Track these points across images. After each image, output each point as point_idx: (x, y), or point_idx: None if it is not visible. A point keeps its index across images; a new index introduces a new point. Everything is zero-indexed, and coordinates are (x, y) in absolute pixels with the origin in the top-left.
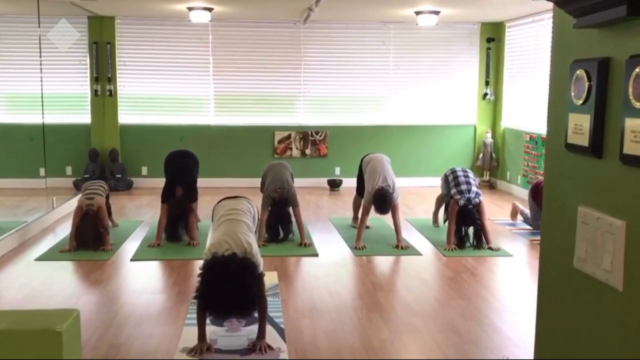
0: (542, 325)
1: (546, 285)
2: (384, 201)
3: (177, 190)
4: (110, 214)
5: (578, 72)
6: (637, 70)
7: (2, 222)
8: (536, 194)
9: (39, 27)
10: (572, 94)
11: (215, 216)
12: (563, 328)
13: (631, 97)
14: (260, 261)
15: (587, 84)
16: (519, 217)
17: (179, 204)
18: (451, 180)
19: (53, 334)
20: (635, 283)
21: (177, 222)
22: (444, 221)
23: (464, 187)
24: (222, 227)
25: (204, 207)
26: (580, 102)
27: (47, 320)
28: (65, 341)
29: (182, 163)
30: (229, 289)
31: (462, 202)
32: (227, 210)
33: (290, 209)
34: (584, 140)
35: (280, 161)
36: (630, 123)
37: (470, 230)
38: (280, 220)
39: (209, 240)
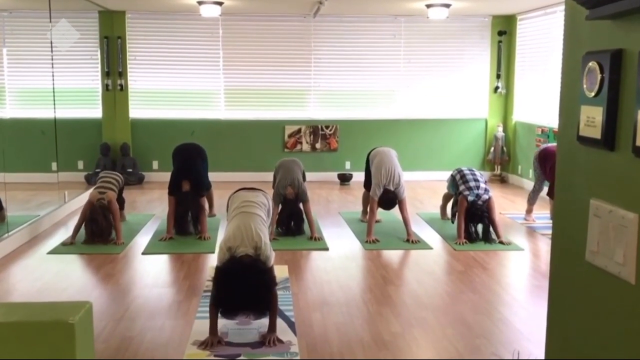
0: (554, 319)
1: (558, 278)
2: (389, 203)
3: (184, 184)
4: (122, 207)
5: (590, 64)
6: None
7: (14, 216)
8: (542, 158)
9: (50, 22)
10: (584, 86)
11: (231, 206)
12: (575, 321)
13: None
14: (271, 254)
15: (599, 76)
16: (533, 215)
17: (186, 198)
18: (459, 179)
19: (66, 326)
20: None
21: (185, 216)
22: (452, 219)
23: (472, 183)
24: (235, 219)
25: (214, 201)
26: (593, 94)
27: (60, 313)
28: (78, 333)
29: (188, 157)
30: (243, 295)
31: (471, 197)
32: (242, 202)
33: (301, 205)
34: (596, 133)
35: (292, 158)
36: None
37: (479, 227)
38: (292, 217)
39: (224, 233)
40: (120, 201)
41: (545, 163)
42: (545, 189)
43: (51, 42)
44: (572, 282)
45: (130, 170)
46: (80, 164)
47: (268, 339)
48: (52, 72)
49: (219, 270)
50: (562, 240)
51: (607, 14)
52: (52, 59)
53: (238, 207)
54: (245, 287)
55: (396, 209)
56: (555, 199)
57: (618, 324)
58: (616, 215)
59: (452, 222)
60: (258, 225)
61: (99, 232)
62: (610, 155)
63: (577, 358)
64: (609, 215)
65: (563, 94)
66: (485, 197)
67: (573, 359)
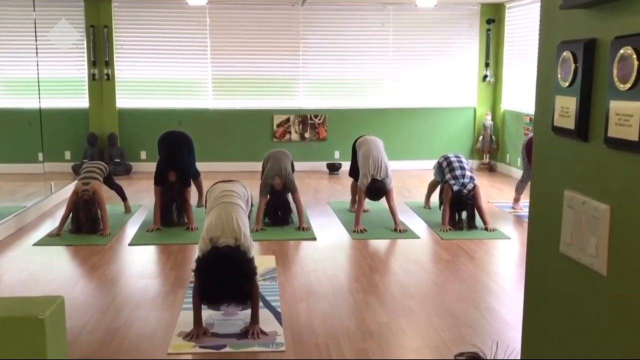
0: (530, 310)
1: (533, 269)
2: (377, 193)
3: (170, 174)
4: (124, 198)
5: (564, 53)
6: (621, 51)
7: (0, 207)
8: (529, 147)
9: (34, 10)
10: (559, 76)
11: (210, 198)
12: (550, 313)
13: (616, 79)
14: (251, 245)
15: (573, 65)
16: (521, 204)
17: (172, 189)
18: (445, 167)
19: (36, 322)
20: (619, 268)
21: (170, 206)
22: (440, 206)
23: (458, 172)
24: (216, 209)
25: (204, 190)
26: (567, 84)
27: (31, 308)
28: (49, 328)
29: (174, 147)
30: (225, 284)
31: (456, 187)
32: (221, 192)
33: (290, 196)
34: (570, 123)
35: (282, 149)
36: (615, 105)
37: (464, 214)
38: (278, 207)
39: (205, 223)
40: (116, 188)
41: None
42: None
43: (35, 31)
44: (547, 274)
45: (118, 160)
46: (68, 155)
47: (251, 331)
48: (37, 61)
49: (200, 261)
50: (537, 231)
51: (581, 2)
52: (36, 48)
53: (217, 197)
54: (226, 276)
55: (383, 199)
56: (531, 189)
57: (591, 315)
58: (589, 206)
59: (439, 208)
60: (239, 216)
61: (84, 228)
62: (583, 146)
63: (553, 349)
64: (582, 206)
65: (539, 84)
66: (471, 186)
67: (549, 351)
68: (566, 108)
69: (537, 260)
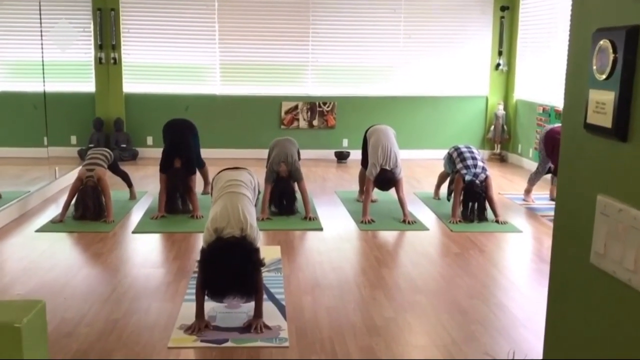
0: (553, 326)
1: (559, 281)
2: (386, 183)
3: (175, 161)
4: (130, 184)
5: (602, 42)
6: None
7: (3, 191)
8: (547, 139)
9: None
10: (594, 67)
11: (215, 187)
12: (576, 331)
13: None
14: (257, 236)
15: (612, 56)
16: (533, 196)
17: (177, 175)
18: (456, 157)
19: (11, 330)
20: None
21: (176, 194)
22: (448, 197)
23: (470, 162)
24: (221, 199)
25: (210, 178)
26: (604, 77)
27: (6, 314)
28: (26, 337)
29: (179, 135)
30: (229, 276)
31: (468, 177)
32: (227, 182)
33: (296, 185)
34: (606, 121)
35: (288, 137)
36: None
37: (475, 205)
38: (283, 195)
39: (210, 213)
40: (122, 174)
41: (552, 144)
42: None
43: (40, 13)
44: (574, 286)
45: (124, 145)
46: (73, 139)
47: (254, 325)
48: (41, 44)
49: (205, 251)
50: (564, 238)
51: None
52: (41, 31)
53: (223, 186)
54: (231, 268)
55: (393, 189)
56: (557, 192)
57: (626, 338)
58: (627, 215)
59: (448, 200)
60: (245, 206)
61: (90, 214)
62: (621, 147)
63: None
64: (618, 214)
65: (569, 76)
66: (483, 176)
67: None
68: (602, 104)
69: (562, 270)
